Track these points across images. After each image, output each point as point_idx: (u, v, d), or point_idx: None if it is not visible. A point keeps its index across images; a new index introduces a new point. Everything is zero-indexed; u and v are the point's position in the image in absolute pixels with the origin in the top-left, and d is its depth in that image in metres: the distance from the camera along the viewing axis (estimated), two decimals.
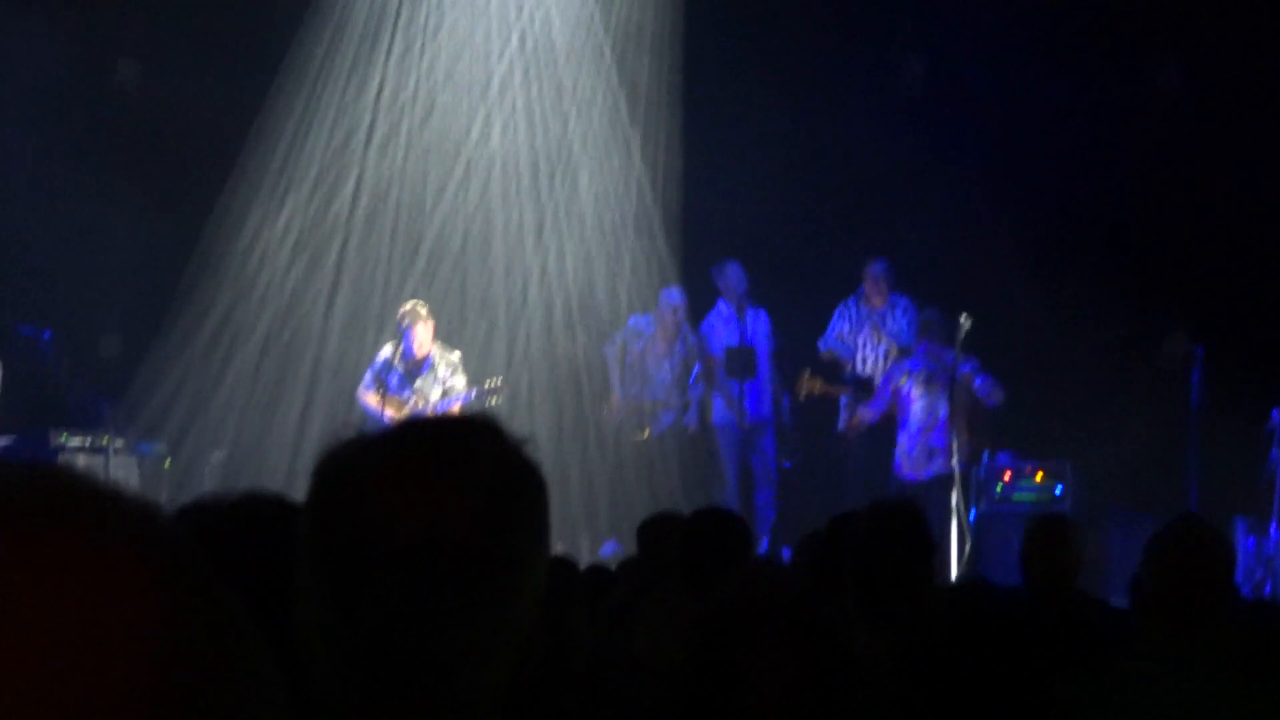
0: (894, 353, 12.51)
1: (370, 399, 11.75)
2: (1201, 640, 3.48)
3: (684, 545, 5.33)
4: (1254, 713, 3.39)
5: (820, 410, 12.73)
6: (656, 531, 6.09)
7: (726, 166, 13.05)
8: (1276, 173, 12.40)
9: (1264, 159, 12.39)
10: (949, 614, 4.05)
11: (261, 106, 13.12)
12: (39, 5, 12.92)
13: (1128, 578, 5.53)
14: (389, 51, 13.32)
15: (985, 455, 11.74)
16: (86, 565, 0.68)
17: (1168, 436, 11.76)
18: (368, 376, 11.89)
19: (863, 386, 12.43)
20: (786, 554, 10.24)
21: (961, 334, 11.25)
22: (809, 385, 12.25)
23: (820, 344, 12.78)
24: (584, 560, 9.59)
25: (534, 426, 11.99)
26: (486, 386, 11.67)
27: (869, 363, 12.68)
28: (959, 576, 10.48)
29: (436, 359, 11.77)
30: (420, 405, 11.56)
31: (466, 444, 1.52)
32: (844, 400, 12.56)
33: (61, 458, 11.24)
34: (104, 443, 11.46)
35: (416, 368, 11.74)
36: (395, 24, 13.33)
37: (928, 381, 11.72)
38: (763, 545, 11.46)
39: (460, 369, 11.81)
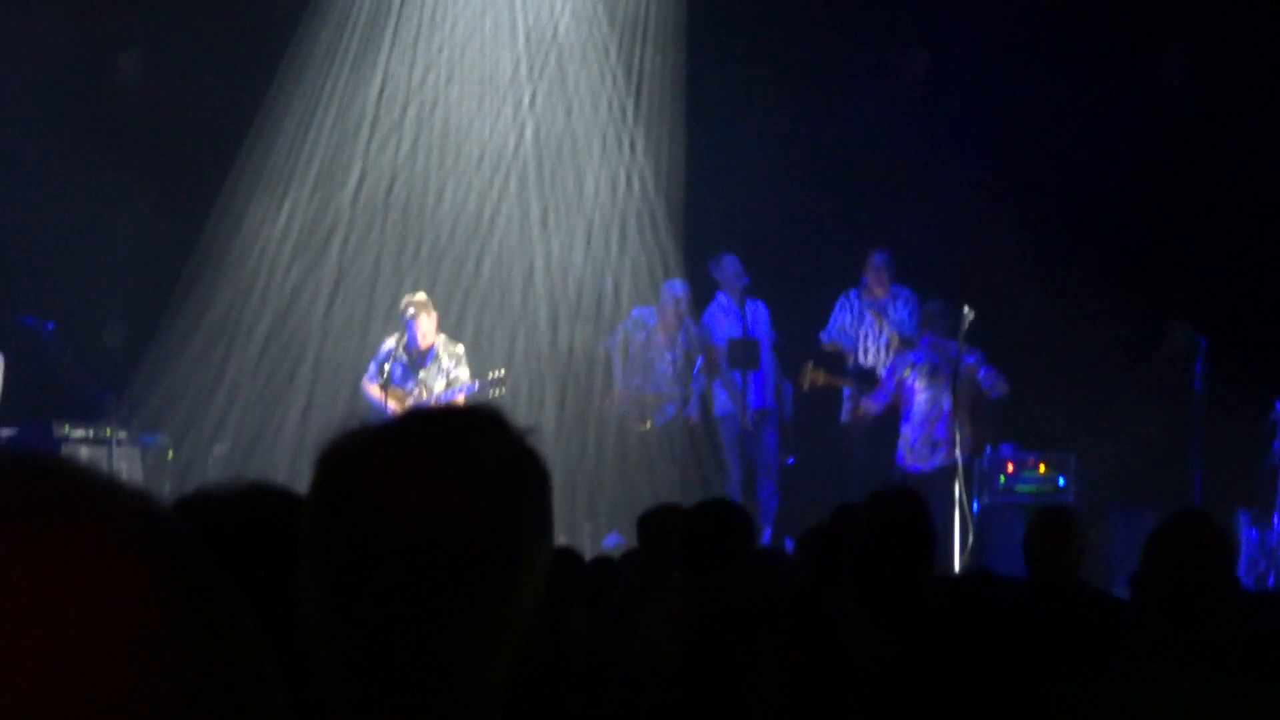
0: (896, 343, 12.50)
1: (374, 390, 11.75)
2: (1202, 638, 3.48)
3: (686, 537, 5.32)
4: (1255, 711, 3.38)
5: (823, 402, 12.73)
6: (657, 523, 6.09)
7: (729, 160, 13.05)
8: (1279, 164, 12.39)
9: (1267, 151, 12.38)
10: (951, 608, 4.05)
11: (264, 99, 13.11)
12: None
13: (1130, 569, 5.53)
14: (392, 45, 13.31)
15: (988, 447, 11.75)
16: (87, 564, 0.67)
17: (1170, 428, 11.76)
18: (371, 368, 11.89)
19: (865, 378, 12.43)
20: (789, 545, 10.24)
21: (964, 326, 11.25)
22: (812, 377, 12.25)
23: (823, 336, 12.78)
24: (586, 551, 9.59)
25: (537, 418, 11.99)
26: (490, 378, 11.67)
27: (870, 353, 12.67)
28: (962, 568, 10.49)
29: (440, 350, 11.77)
30: (424, 396, 11.56)
31: (469, 434, 1.51)
32: (847, 392, 12.56)
33: (65, 449, 11.24)
34: (107, 434, 11.46)
35: (420, 359, 11.74)
36: (398, 17, 13.33)
37: (931, 374, 11.72)
38: (765, 536, 11.46)
39: (464, 360, 11.81)
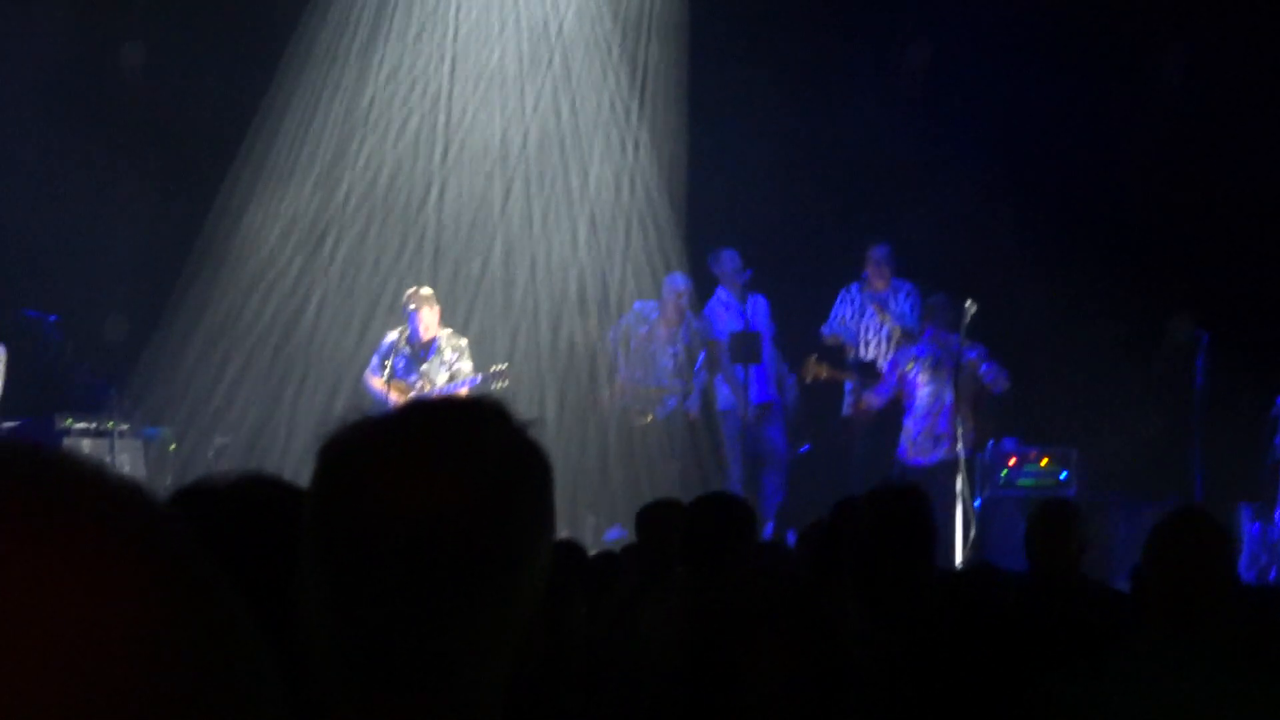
0: (897, 337, 12.50)
1: (376, 383, 11.75)
2: (1202, 635, 3.47)
3: (687, 532, 5.32)
4: (1255, 707, 3.38)
5: (825, 396, 12.73)
6: (655, 519, 6.10)
7: (731, 155, 13.06)
8: None
9: (1269, 146, 12.37)
10: (951, 606, 4.04)
11: (266, 94, 13.11)
12: None
13: (1132, 564, 5.54)
14: (394, 40, 13.31)
15: (990, 442, 11.75)
16: (86, 563, 0.67)
17: (1172, 423, 11.76)
18: (374, 360, 11.90)
19: (867, 371, 12.43)
20: (791, 538, 10.24)
21: (966, 319, 11.25)
22: (814, 370, 12.26)
23: (823, 329, 12.79)
24: (588, 545, 9.59)
25: (540, 410, 12.00)
26: (493, 371, 11.67)
27: (872, 346, 12.68)
28: (964, 562, 10.49)
29: (443, 343, 11.78)
30: (426, 389, 11.57)
31: (471, 426, 1.50)
32: (849, 386, 12.56)
33: (67, 442, 11.24)
34: (109, 427, 11.46)
35: (423, 351, 11.74)
36: (401, 13, 13.32)
37: (934, 367, 11.72)
38: (768, 531, 11.46)
39: (467, 353, 11.81)
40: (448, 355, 11.75)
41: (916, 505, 4.64)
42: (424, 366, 11.72)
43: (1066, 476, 11.57)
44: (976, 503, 11.24)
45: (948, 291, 11.79)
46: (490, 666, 1.48)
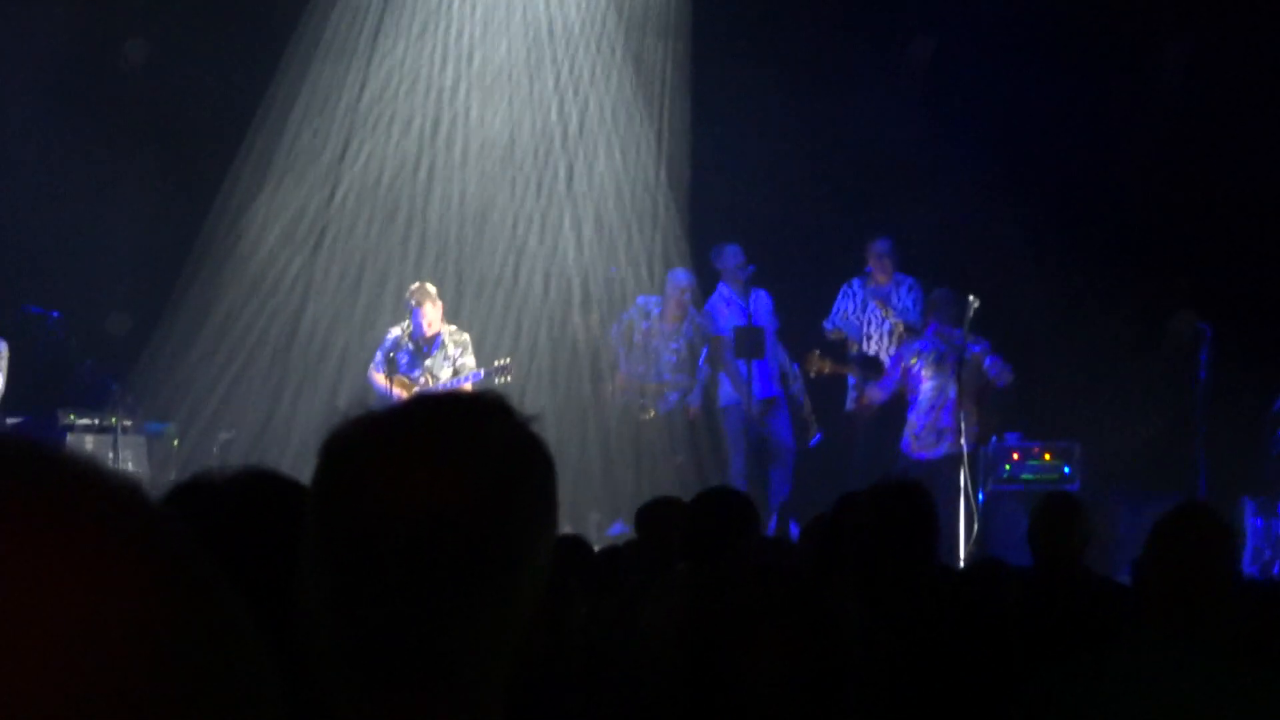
0: (900, 330, 12.50)
1: (380, 378, 11.76)
2: (1203, 630, 3.46)
3: (688, 526, 5.32)
4: (1256, 702, 3.37)
5: (829, 390, 12.73)
6: (655, 516, 6.10)
7: (734, 151, 13.07)
8: None
9: (1271, 139, 12.36)
10: (953, 600, 4.04)
11: (268, 89, 13.11)
12: None
13: (1135, 559, 5.53)
14: (398, 35, 13.31)
15: (993, 436, 11.74)
16: (86, 563, 0.67)
17: (1175, 417, 11.75)
18: (377, 356, 11.90)
19: (871, 366, 12.43)
20: (795, 531, 10.25)
21: (970, 314, 11.25)
22: (818, 365, 12.26)
23: (826, 324, 12.79)
24: (591, 540, 9.59)
25: (543, 405, 12.00)
26: (496, 365, 11.68)
27: (873, 340, 12.68)
28: (967, 556, 10.50)
29: (446, 338, 11.79)
30: (429, 384, 11.58)
31: (473, 421, 1.50)
32: (852, 380, 12.56)
33: (70, 437, 11.25)
34: (112, 423, 11.46)
35: (426, 346, 11.75)
36: (405, 9, 13.32)
37: (938, 362, 11.71)
38: (771, 524, 11.45)
39: (470, 348, 11.82)
40: (451, 350, 11.76)
41: (918, 501, 4.63)
42: (427, 362, 11.73)
43: (1069, 471, 11.57)
44: (979, 497, 11.24)
45: (950, 286, 11.79)
46: (491, 665, 1.47)
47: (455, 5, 13.34)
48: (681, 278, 12.61)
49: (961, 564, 10.05)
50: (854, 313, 12.77)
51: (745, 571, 2.30)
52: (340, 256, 13.18)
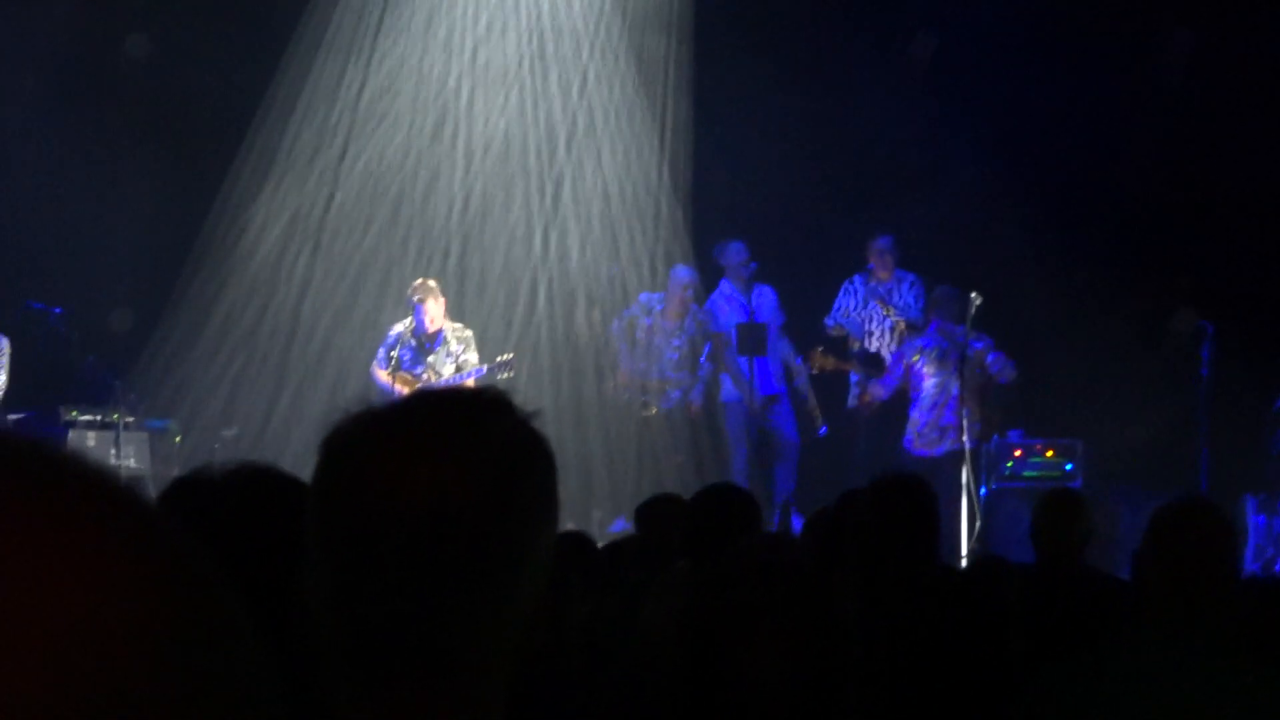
0: (901, 328, 12.50)
1: (383, 375, 11.77)
2: (1203, 625, 3.46)
3: (690, 523, 5.32)
4: (1256, 698, 3.37)
5: (831, 387, 12.74)
6: (655, 514, 6.10)
7: (736, 148, 13.06)
8: None
9: (1272, 138, 12.36)
10: (954, 597, 4.03)
11: (271, 86, 13.11)
12: None
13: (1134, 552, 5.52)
14: (400, 32, 13.30)
15: (995, 433, 11.74)
16: (85, 562, 0.67)
17: (1177, 414, 11.75)
18: (380, 352, 11.91)
19: (873, 363, 12.43)
20: (798, 525, 10.24)
21: (972, 311, 11.24)
22: (820, 362, 12.26)
23: (827, 321, 12.79)
24: (593, 536, 9.59)
25: (545, 402, 12.00)
26: (498, 361, 11.68)
27: (875, 337, 12.68)
28: (969, 553, 10.50)
29: (448, 334, 11.79)
30: (432, 380, 11.58)
31: (475, 417, 1.50)
32: (854, 377, 12.56)
33: (72, 433, 11.26)
34: (114, 419, 11.47)
35: (428, 343, 11.75)
36: (407, 4, 13.31)
37: (940, 359, 11.71)
38: (774, 520, 11.44)
39: (472, 344, 11.82)
40: (453, 346, 11.76)
41: (920, 496, 4.63)
42: (430, 358, 11.73)
43: (1072, 468, 11.56)
44: (982, 494, 11.24)
45: (952, 282, 11.78)
46: (492, 661, 1.47)
47: (457, 3, 13.34)
48: (683, 275, 12.60)
49: (964, 561, 10.05)
50: (855, 310, 12.77)
51: (746, 568, 2.29)
52: (342, 253, 13.18)
